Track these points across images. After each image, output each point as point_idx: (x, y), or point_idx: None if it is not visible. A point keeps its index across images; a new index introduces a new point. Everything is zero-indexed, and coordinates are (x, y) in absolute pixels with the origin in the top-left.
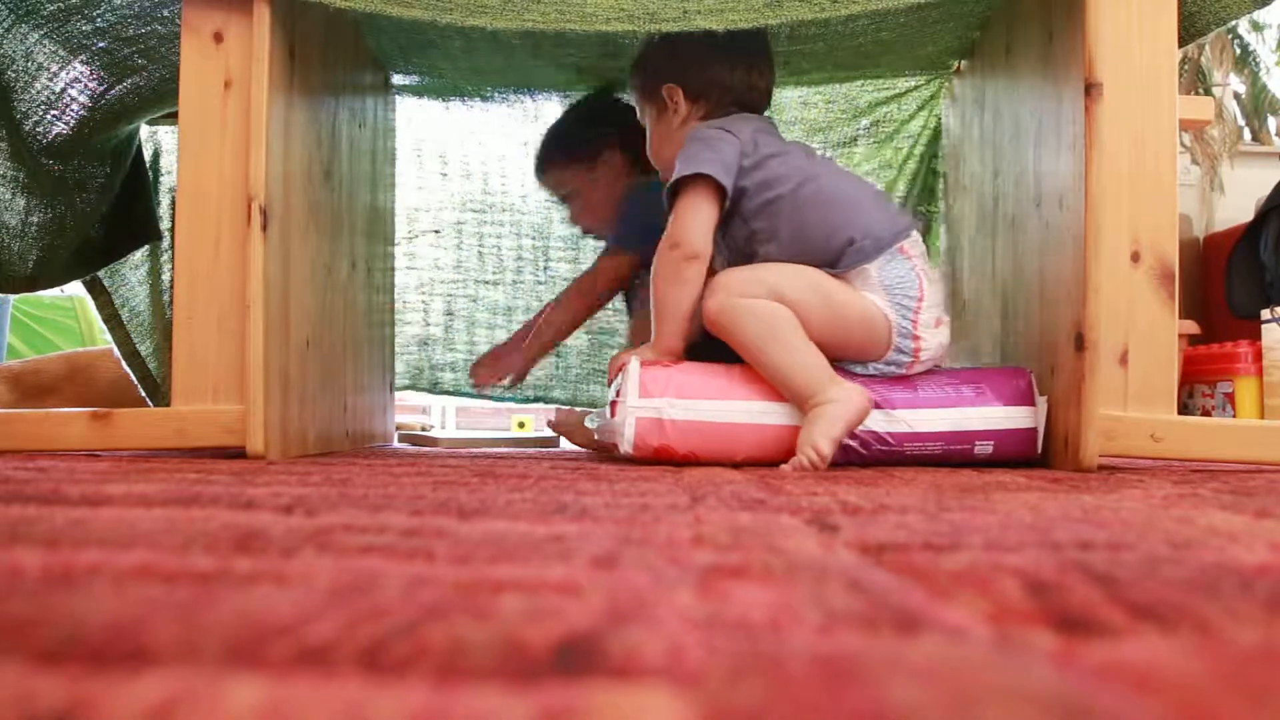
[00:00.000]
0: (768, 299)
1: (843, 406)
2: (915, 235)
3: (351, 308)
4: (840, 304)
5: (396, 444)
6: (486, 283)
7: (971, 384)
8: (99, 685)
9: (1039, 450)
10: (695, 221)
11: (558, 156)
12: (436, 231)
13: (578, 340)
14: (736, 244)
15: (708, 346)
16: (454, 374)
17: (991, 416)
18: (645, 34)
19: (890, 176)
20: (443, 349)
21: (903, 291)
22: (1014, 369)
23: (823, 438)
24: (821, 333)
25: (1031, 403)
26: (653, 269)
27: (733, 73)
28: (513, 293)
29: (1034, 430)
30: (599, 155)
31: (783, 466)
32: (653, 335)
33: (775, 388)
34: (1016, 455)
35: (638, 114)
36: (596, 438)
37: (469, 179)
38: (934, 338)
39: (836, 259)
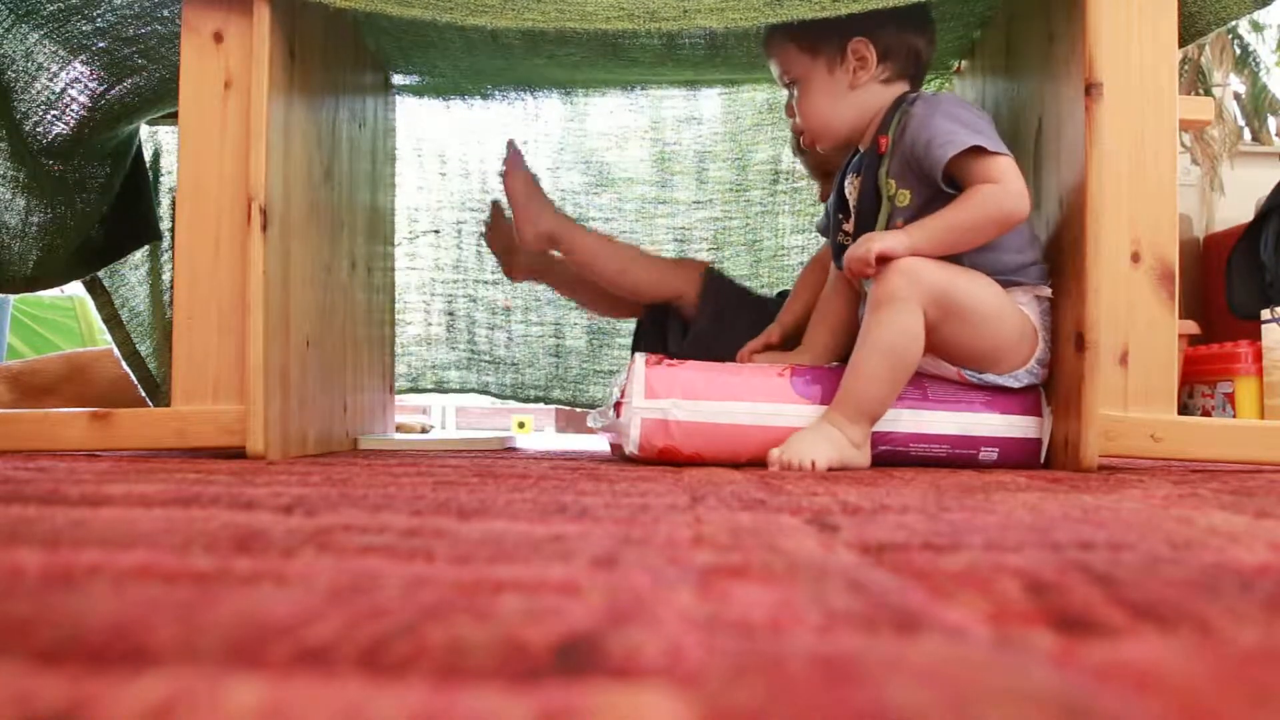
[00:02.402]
0: (948, 306)
1: (855, 456)
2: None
3: (351, 308)
4: (1008, 321)
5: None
6: (485, 282)
7: (981, 391)
8: (99, 685)
9: (1042, 460)
10: (1019, 178)
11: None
12: (436, 231)
13: (577, 341)
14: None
15: (708, 348)
16: (459, 372)
17: (998, 424)
18: (646, 32)
19: None
20: (445, 349)
21: (1044, 325)
22: None
23: (825, 461)
24: (985, 343)
25: (1039, 413)
26: (973, 199)
27: (920, 37)
28: (511, 292)
29: (1038, 440)
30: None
31: (770, 456)
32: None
33: (833, 376)
34: (1020, 464)
35: (776, 59)
36: (600, 433)
37: (468, 178)
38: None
39: (1014, 271)
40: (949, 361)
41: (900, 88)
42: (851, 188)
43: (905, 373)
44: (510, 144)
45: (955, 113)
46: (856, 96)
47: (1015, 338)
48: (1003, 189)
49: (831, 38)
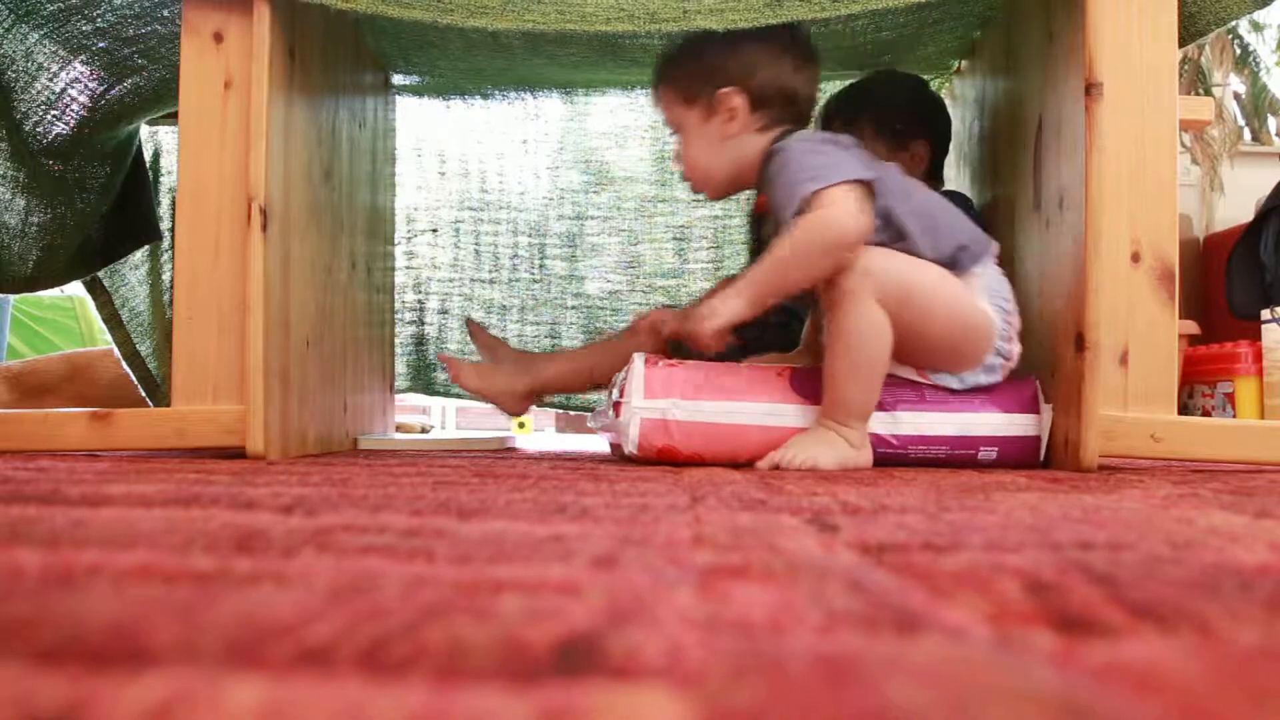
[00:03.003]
0: (901, 297)
1: (856, 456)
2: (995, 245)
3: (351, 308)
4: (964, 306)
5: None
6: (482, 281)
7: (978, 390)
8: (99, 685)
9: (1041, 458)
10: (862, 212)
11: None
12: (434, 230)
13: (573, 342)
14: None
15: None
16: (445, 373)
17: (997, 423)
18: (646, 33)
19: None
20: (436, 348)
21: (1000, 295)
22: (1021, 377)
23: (825, 464)
24: (942, 333)
25: (1037, 411)
26: (797, 232)
27: (797, 77)
28: (508, 291)
29: (1038, 438)
30: (911, 143)
31: (765, 461)
32: (747, 286)
33: (824, 377)
34: (1019, 462)
35: (659, 103)
36: (599, 434)
37: (466, 177)
38: (1017, 347)
39: (949, 264)
40: (910, 361)
41: (776, 133)
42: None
43: (881, 364)
44: (468, 323)
45: (799, 161)
46: (732, 146)
47: (971, 331)
48: (826, 212)
49: (705, 87)
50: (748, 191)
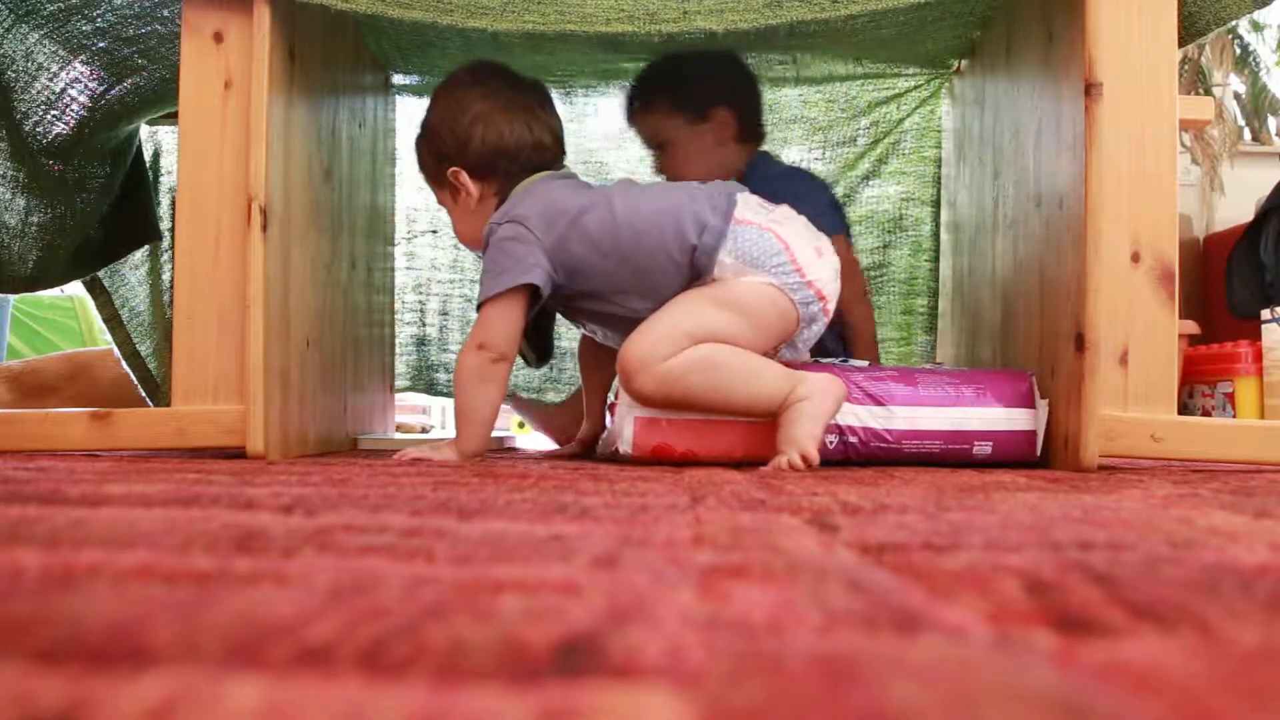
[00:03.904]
0: (689, 345)
1: (819, 403)
2: (740, 196)
3: (351, 308)
4: (748, 303)
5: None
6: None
7: (973, 385)
8: (99, 685)
9: (1038, 453)
10: (504, 325)
11: (663, 101)
12: (434, 232)
13: (571, 343)
14: (594, 311)
15: None
16: (447, 374)
17: (991, 418)
18: (646, 34)
19: (894, 179)
20: (437, 349)
21: (766, 254)
22: (1016, 371)
23: (809, 439)
24: (753, 342)
25: (1032, 405)
26: (458, 371)
27: (513, 135)
28: None
29: (1033, 433)
30: (711, 111)
31: (766, 468)
32: (457, 436)
33: (746, 416)
34: (1015, 457)
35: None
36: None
37: None
38: (823, 268)
39: (694, 269)
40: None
41: (507, 192)
42: None
43: (737, 366)
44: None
45: (488, 255)
46: (483, 210)
47: (769, 320)
48: (466, 350)
49: (440, 173)
50: None
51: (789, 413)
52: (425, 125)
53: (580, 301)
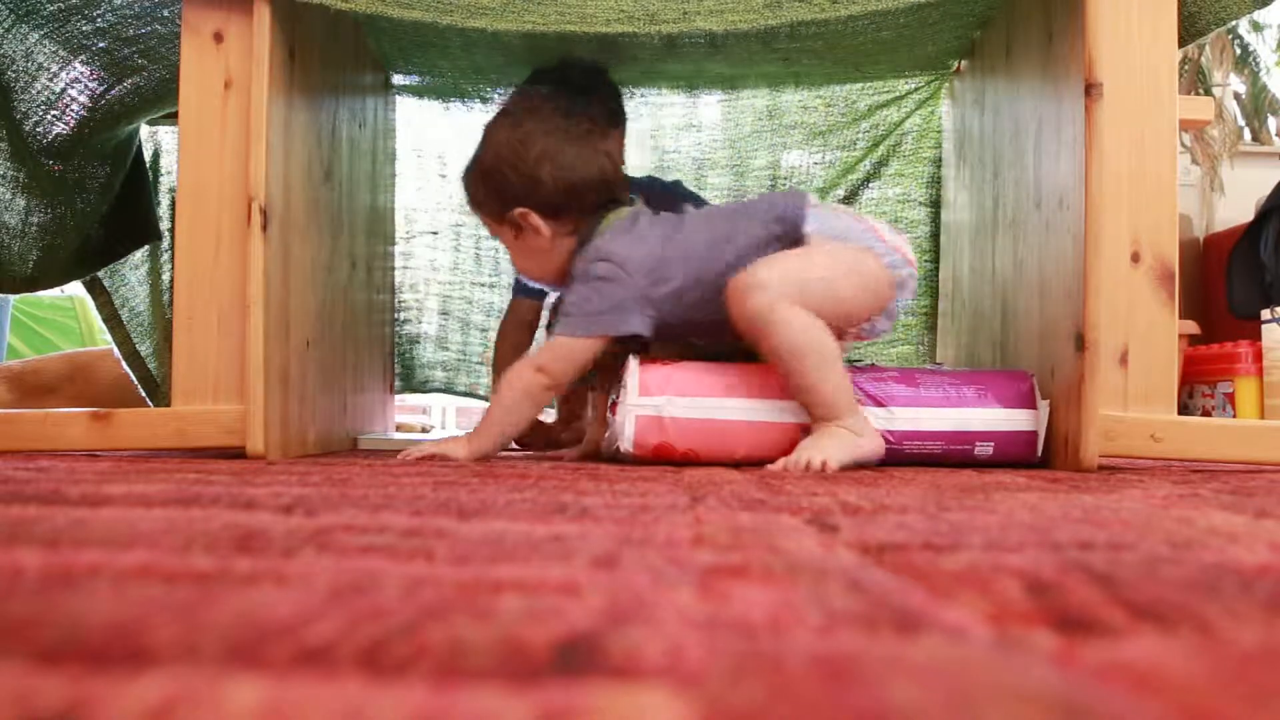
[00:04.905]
0: (800, 289)
1: (865, 443)
2: (807, 196)
3: (351, 308)
4: (849, 257)
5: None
6: (483, 285)
7: (973, 385)
8: (99, 685)
9: (1039, 454)
10: (572, 361)
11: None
12: (434, 233)
13: None
14: (689, 323)
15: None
16: (444, 372)
17: (992, 418)
18: (646, 34)
19: (894, 180)
20: (434, 348)
21: (849, 228)
22: (1017, 372)
23: (836, 458)
24: (859, 294)
25: (1033, 406)
26: (508, 379)
27: (584, 170)
28: (508, 295)
29: (1034, 434)
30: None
31: (777, 463)
32: (474, 434)
33: (795, 395)
34: (1016, 458)
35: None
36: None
37: None
38: (902, 240)
39: (785, 236)
40: (849, 332)
41: (581, 231)
42: None
43: (833, 352)
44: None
45: (580, 291)
46: (556, 249)
47: (869, 276)
48: (532, 363)
49: (504, 212)
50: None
51: (833, 428)
52: (480, 163)
53: (672, 326)
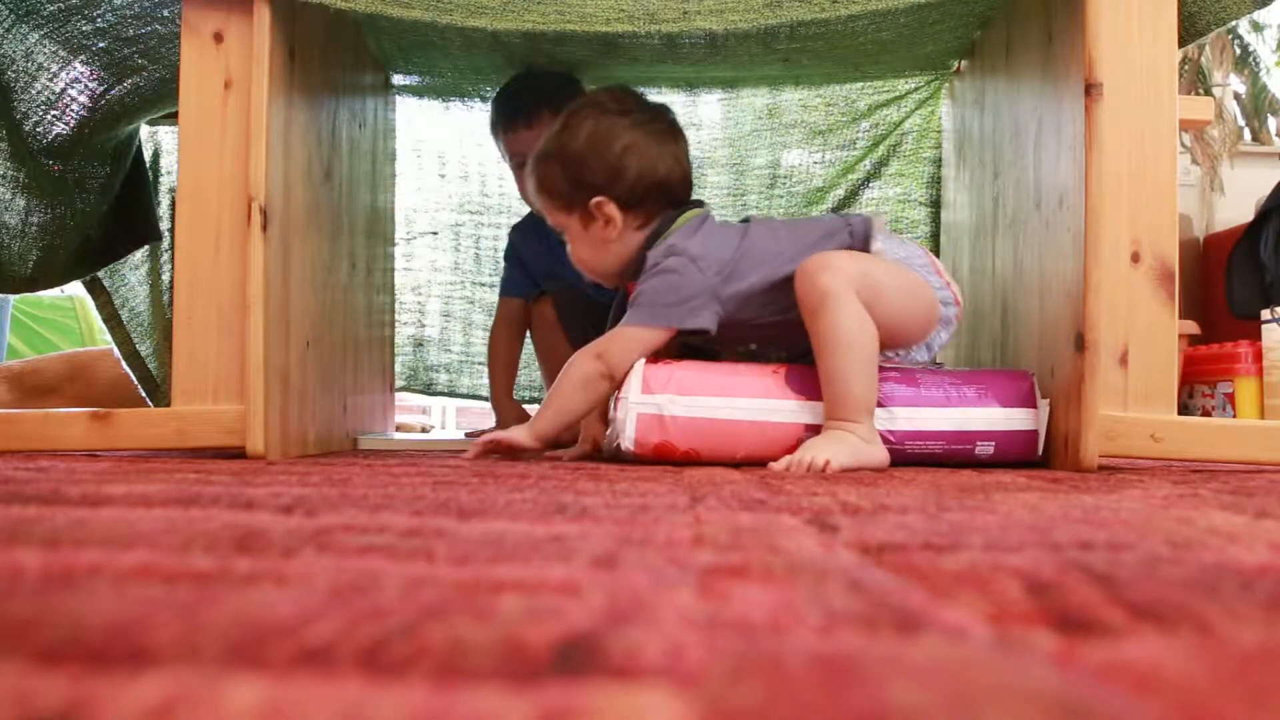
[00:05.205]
0: (872, 290)
1: (870, 450)
2: (878, 219)
3: (351, 308)
4: (906, 275)
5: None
6: (483, 285)
7: (974, 385)
8: (99, 685)
9: (1040, 453)
10: (633, 352)
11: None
12: (434, 233)
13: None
14: (752, 325)
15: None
16: (448, 375)
17: (993, 418)
18: (646, 34)
19: (894, 181)
20: (437, 350)
21: (911, 255)
22: (1017, 371)
23: (838, 460)
24: (906, 305)
25: (1033, 405)
26: (570, 365)
27: (665, 167)
28: None
29: (1035, 433)
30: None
31: (780, 461)
32: (537, 417)
33: (824, 384)
34: (1017, 457)
35: (540, 207)
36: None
37: (466, 180)
38: (953, 281)
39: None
40: (887, 346)
41: (652, 226)
42: None
43: (874, 357)
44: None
45: (653, 282)
46: (620, 245)
47: (923, 301)
48: (593, 350)
49: (581, 199)
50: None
51: (842, 432)
52: (562, 149)
53: (732, 327)
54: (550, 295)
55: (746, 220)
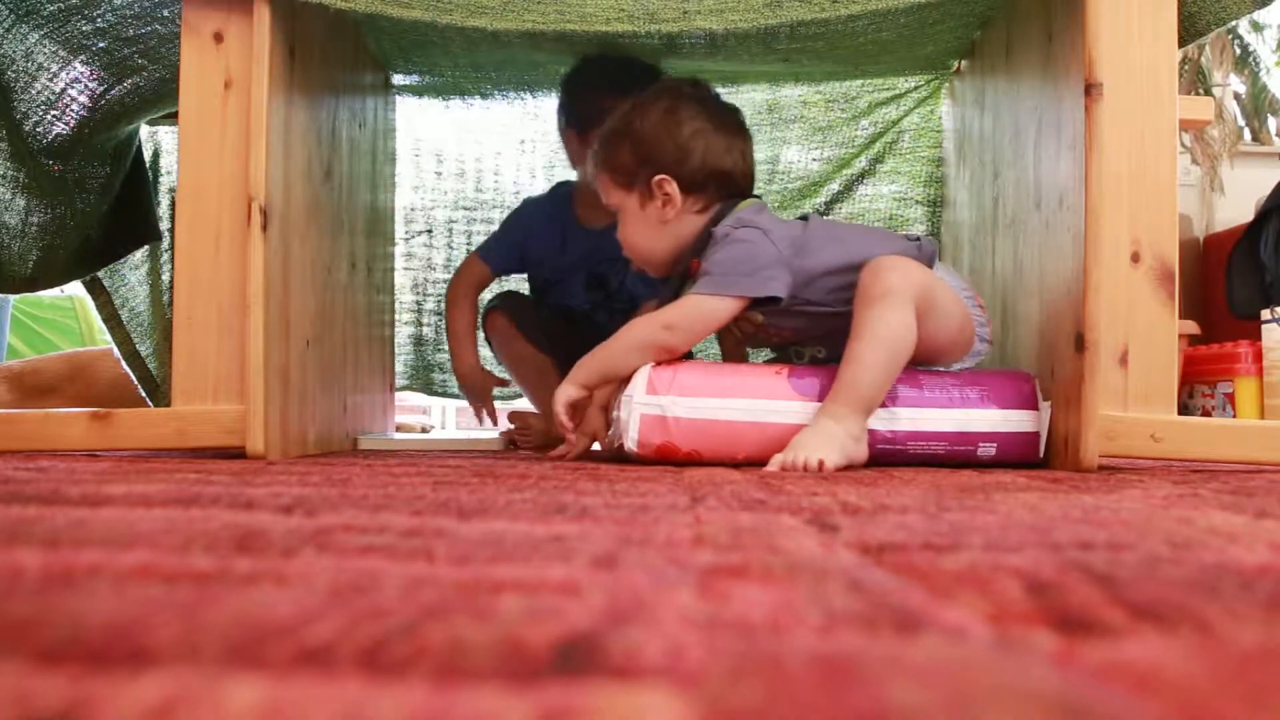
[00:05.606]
0: (927, 303)
1: (855, 446)
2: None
3: (351, 308)
4: (952, 297)
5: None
6: None
7: (976, 386)
8: (99, 685)
9: (1041, 454)
10: (703, 324)
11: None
12: (429, 232)
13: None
14: (809, 312)
15: None
16: (443, 374)
17: (995, 419)
18: (646, 34)
19: (890, 178)
20: (433, 349)
21: (959, 283)
22: (1018, 372)
23: (832, 459)
24: (945, 325)
25: (1035, 407)
26: (631, 326)
27: (729, 158)
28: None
29: (1036, 434)
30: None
31: (772, 461)
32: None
33: (842, 365)
34: (1019, 458)
35: (598, 185)
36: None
37: (462, 177)
38: (990, 328)
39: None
40: (918, 359)
41: (710, 213)
42: None
43: (900, 365)
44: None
45: (726, 251)
46: (670, 229)
47: (965, 329)
48: (659, 318)
49: (643, 175)
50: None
51: (832, 423)
52: (631, 125)
53: (787, 316)
54: (502, 308)
55: (804, 218)
